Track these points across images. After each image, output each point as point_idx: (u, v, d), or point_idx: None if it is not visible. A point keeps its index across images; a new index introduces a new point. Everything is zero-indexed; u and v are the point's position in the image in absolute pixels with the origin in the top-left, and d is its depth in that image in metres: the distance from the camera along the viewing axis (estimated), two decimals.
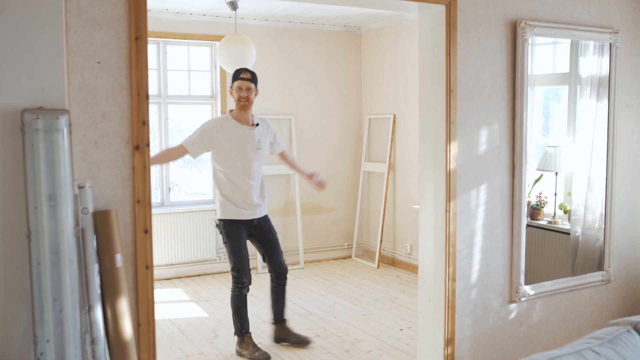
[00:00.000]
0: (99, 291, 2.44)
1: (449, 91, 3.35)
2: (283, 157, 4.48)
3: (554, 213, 4.95)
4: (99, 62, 2.50)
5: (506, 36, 3.54)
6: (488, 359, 3.62)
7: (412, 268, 6.34)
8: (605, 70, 3.98)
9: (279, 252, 4.26)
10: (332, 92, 6.93)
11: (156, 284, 5.87)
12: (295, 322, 4.71)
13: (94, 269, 2.43)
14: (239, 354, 4.20)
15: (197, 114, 6.56)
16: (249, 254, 4.24)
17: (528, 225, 4.61)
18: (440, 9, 3.34)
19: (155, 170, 6.25)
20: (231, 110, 4.19)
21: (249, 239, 4.22)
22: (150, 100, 4.20)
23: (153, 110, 6.20)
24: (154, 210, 5.45)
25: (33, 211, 2.28)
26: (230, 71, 5.54)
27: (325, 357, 4.18)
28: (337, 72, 6.99)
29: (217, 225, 4.19)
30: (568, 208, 4.81)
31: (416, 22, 5.59)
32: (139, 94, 2.57)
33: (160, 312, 5.08)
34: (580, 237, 4.25)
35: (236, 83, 4.11)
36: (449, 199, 3.39)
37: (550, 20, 3.67)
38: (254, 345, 4.18)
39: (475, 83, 3.45)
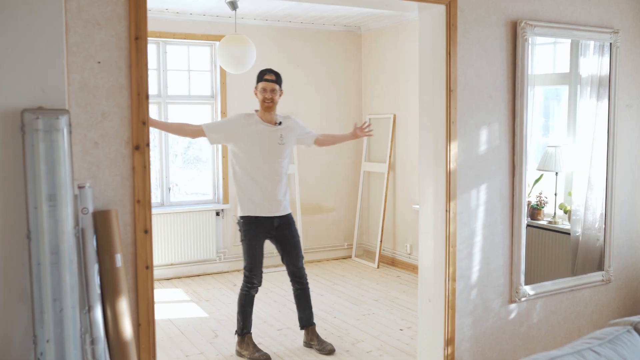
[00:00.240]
0: (98, 291, 2.44)
1: (449, 91, 3.35)
2: (321, 142, 4.36)
3: (554, 213, 4.95)
4: (99, 62, 2.50)
5: (506, 36, 3.54)
6: (488, 359, 3.62)
7: (412, 268, 6.34)
8: (605, 70, 3.97)
9: (297, 257, 4.21)
10: (332, 92, 6.93)
11: (156, 284, 5.87)
12: (295, 321, 4.70)
13: (94, 269, 2.43)
14: (239, 354, 4.20)
15: (197, 114, 6.56)
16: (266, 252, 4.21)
17: (528, 225, 4.61)
18: (440, 8, 3.34)
19: (155, 170, 6.26)
20: (257, 110, 4.17)
21: (269, 239, 4.17)
22: (150, 100, 4.20)
23: (153, 110, 6.19)
24: (154, 210, 5.45)
25: (33, 211, 2.28)
26: (231, 71, 5.55)
27: (325, 357, 4.18)
28: (337, 72, 6.99)
29: (238, 223, 4.19)
30: (568, 208, 4.81)
31: (416, 22, 5.59)
32: (139, 94, 2.57)
33: (160, 312, 5.08)
34: (580, 237, 4.25)
35: (260, 84, 4.09)
36: (449, 199, 3.39)
37: (550, 20, 3.67)
38: (254, 345, 4.18)
39: (476, 83, 3.45)
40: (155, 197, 6.29)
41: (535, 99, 5.06)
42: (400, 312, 5.14)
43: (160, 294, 5.69)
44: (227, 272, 6.51)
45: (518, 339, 3.73)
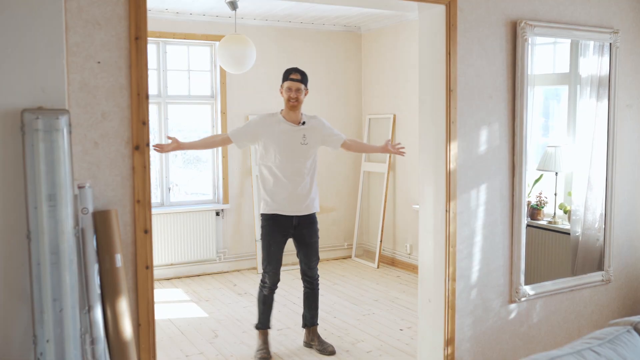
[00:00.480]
0: (98, 291, 2.44)
1: (449, 91, 3.35)
2: (348, 146, 4.31)
3: (554, 213, 4.95)
4: (99, 62, 2.50)
5: (506, 36, 3.54)
6: (488, 359, 3.62)
7: (412, 268, 6.34)
8: (605, 70, 3.97)
9: (312, 257, 4.21)
10: (332, 92, 6.93)
11: (156, 284, 5.87)
12: (295, 321, 4.70)
13: (94, 269, 2.43)
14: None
15: (197, 114, 6.56)
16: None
17: (528, 225, 4.61)
18: (440, 8, 3.34)
19: (155, 170, 6.26)
20: (282, 110, 4.17)
21: (289, 237, 4.17)
22: (150, 100, 4.21)
23: (153, 110, 6.19)
24: (154, 210, 5.44)
25: (33, 211, 2.28)
26: (231, 71, 5.56)
27: (325, 358, 4.18)
28: (337, 72, 6.99)
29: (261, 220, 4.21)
30: (568, 208, 4.81)
31: (416, 22, 5.59)
32: (139, 94, 2.57)
33: (160, 312, 5.08)
34: (580, 237, 4.25)
35: (286, 83, 4.08)
36: (449, 199, 3.39)
37: (550, 20, 3.67)
38: (262, 343, 4.21)
39: (475, 83, 3.45)
40: (155, 197, 6.29)
41: (535, 99, 5.06)
42: (400, 312, 5.14)
43: (160, 294, 5.69)
44: (227, 272, 6.51)
45: (518, 339, 3.73)
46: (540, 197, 5.06)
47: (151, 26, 5.59)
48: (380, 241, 6.72)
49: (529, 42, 3.55)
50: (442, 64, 3.37)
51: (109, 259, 2.46)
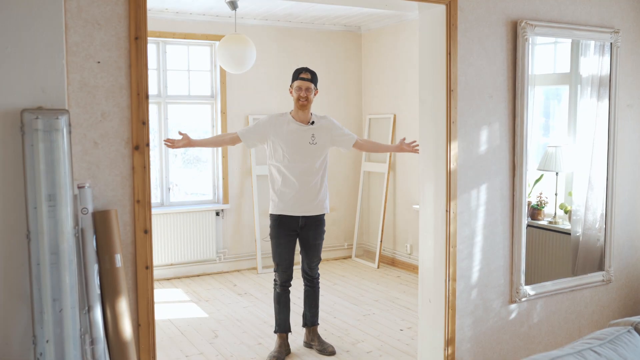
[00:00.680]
0: (98, 291, 2.44)
1: (449, 91, 3.35)
2: (360, 146, 4.30)
3: (555, 213, 4.94)
4: (98, 62, 2.50)
5: (507, 36, 3.53)
6: (488, 359, 3.61)
7: (412, 268, 6.34)
8: (606, 70, 3.97)
9: (314, 258, 4.20)
10: (332, 92, 6.93)
11: (156, 284, 5.87)
12: (295, 321, 4.70)
13: (94, 269, 2.43)
14: None
15: (197, 113, 6.56)
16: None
17: (528, 226, 4.61)
18: (441, 8, 3.33)
19: (155, 170, 6.25)
20: (292, 110, 4.16)
21: (296, 237, 4.17)
22: (150, 100, 4.21)
23: (153, 110, 6.19)
24: (153, 210, 5.45)
25: (33, 211, 2.28)
26: (231, 71, 5.55)
27: (325, 358, 4.18)
28: (337, 72, 6.98)
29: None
30: (569, 208, 4.81)
31: (416, 22, 5.59)
32: (139, 94, 2.57)
33: (160, 313, 5.08)
34: (580, 237, 4.24)
35: (296, 83, 4.09)
36: (449, 199, 3.39)
37: (550, 19, 3.67)
38: (279, 345, 4.20)
39: (476, 83, 3.45)
40: (155, 197, 6.29)
41: (536, 99, 5.06)
42: (400, 312, 5.14)
43: (160, 294, 5.69)
44: (227, 272, 6.51)
45: (518, 339, 3.72)
46: (540, 197, 5.06)
47: (151, 26, 5.59)
48: (381, 241, 6.71)
49: (530, 41, 3.55)
50: (443, 63, 3.36)
51: (109, 259, 2.46)
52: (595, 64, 4.00)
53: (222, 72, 6.36)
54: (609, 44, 3.93)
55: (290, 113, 4.12)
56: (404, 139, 4.19)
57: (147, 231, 2.62)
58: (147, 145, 2.61)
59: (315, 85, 4.11)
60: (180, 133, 4.02)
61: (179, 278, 6.29)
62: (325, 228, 4.25)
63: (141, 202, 2.60)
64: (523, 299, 3.68)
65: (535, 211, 5.01)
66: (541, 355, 1.93)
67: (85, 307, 2.41)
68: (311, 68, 4.03)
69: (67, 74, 2.43)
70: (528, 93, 3.58)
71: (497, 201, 3.58)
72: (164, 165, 6.32)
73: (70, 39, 2.44)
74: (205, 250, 6.39)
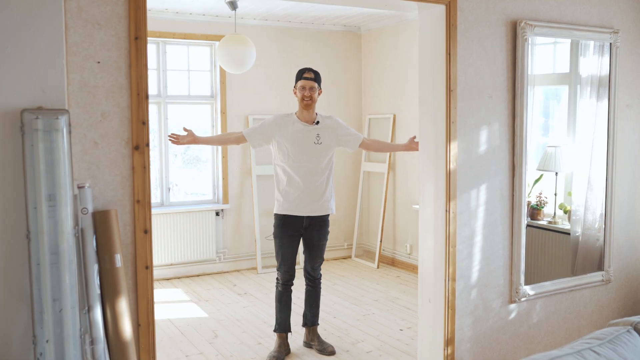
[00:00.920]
0: (98, 291, 2.44)
1: (449, 91, 3.35)
2: (367, 146, 4.31)
3: (554, 213, 4.95)
4: (98, 62, 2.50)
5: (506, 36, 3.54)
6: (488, 359, 3.62)
7: (412, 268, 6.34)
8: (605, 70, 3.97)
9: (317, 258, 4.20)
10: (332, 92, 6.93)
11: (156, 284, 5.87)
12: (295, 321, 4.70)
13: (94, 269, 2.43)
14: None
15: (197, 114, 6.56)
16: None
17: (528, 226, 4.61)
18: (440, 8, 3.34)
19: (155, 170, 6.25)
20: (297, 111, 4.15)
21: (301, 237, 4.17)
22: (150, 100, 4.22)
23: (153, 110, 6.19)
24: (153, 210, 5.45)
25: (33, 211, 2.28)
26: (230, 71, 5.55)
27: (325, 358, 4.18)
28: (337, 72, 6.99)
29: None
30: (568, 208, 4.81)
31: (416, 22, 5.59)
32: (139, 94, 2.57)
33: (160, 312, 5.08)
34: (580, 237, 4.25)
35: (300, 82, 4.09)
36: (449, 199, 3.39)
37: (550, 20, 3.67)
38: (276, 346, 4.21)
39: (475, 83, 3.45)
40: (155, 197, 6.29)
41: (535, 99, 5.06)
42: (400, 312, 5.14)
43: (160, 294, 5.69)
44: (227, 272, 6.51)
45: (518, 339, 3.73)
46: (540, 197, 5.06)
47: (151, 26, 5.59)
48: (380, 241, 6.72)
49: (529, 42, 3.55)
50: (442, 63, 3.37)
51: (109, 259, 2.46)
52: (594, 64, 4.00)
53: (222, 72, 6.36)
54: (609, 44, 3.93)
55: (296, 114, 4.12)
56: (414, 137, 4.11)
57: (147, 231, 2.63)
58: (147, 145, 2.61)
59: (319, 84, 4.11)
60: (185, 129, 4.01)
61: (179, 278, 6.29)
62: (329, 229, 4.25)
63: (141, 202, 2.60)
64: (523, 299, 3.68)
65: (534, 211, 5.02)
66: (541, 355, 1.93)
67: (85, 307, 2.41)
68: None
69: (67, 74, 2.43)
70: (528, 93, 3.58)
71: (497, 201, 3.58)
72: (164, 165, 6.33)
73: (70, 39, 2.44)
74: (205, 250, 6.39)
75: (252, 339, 4.53)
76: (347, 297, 5.59)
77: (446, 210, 3.40)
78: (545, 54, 5.22)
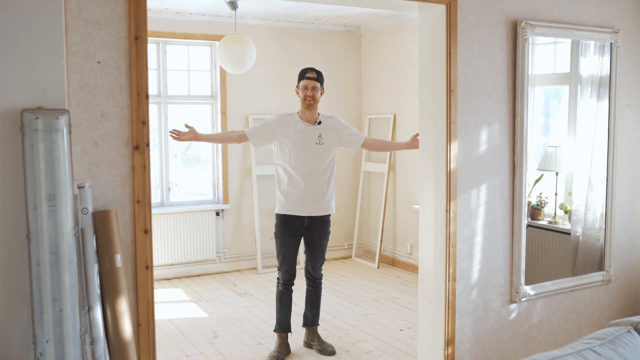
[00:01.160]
0: (98, 291, 2.44)
1: (449, 91, 3.35)
2: (369, 145, 4.30)
3: (555, 213, 4.94)
4: (98, 62, 2.50)
5: (507, 36, 3.53)
6: (488, 359, 3.61)
7: (412, 268, 6.34)
8: (605, 70, 3.97)
9: (318, 258, 4.20)
10: (332, 92, 6.93)
11: (156, 284, 5.87)
12: (295, 321, 4.70)
13: (94, 269, 2.43)
14: None
15: (197, 113, 6.56)
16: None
17: (528, 225, 4.61)
18: (441, 8, 3.34)
19: (155, 170, 6.25)
20: (299, 111, 4.15)
21: (302, 237, 4.17)
22: (150, 100, 4.21)
23: (153, 110, 6.19)
24: (154, 210, 5.44)
25: (33, 211, 2.28)
26: (231, 71, 5.55)
27: (325, 358, 4.18)
28: (337, 72, 6.98)
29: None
30: (568, 208, 4.81)
31: (416, 22, 5.59)
32: (139, 94, 2.57)
33: (160, 312, 5.08)
34: (580, 237, 4.24)
35: (302, 82, 4.08)
36: (449, 199, 3.39)
37: (550, 19, 3.67)
38: (277, 346, 4.20)
39: (476, 83, 3.45)
40: (155, 197, 6.29)
41: (536, 99, 5.06)
42: (400, 312, 5.14)
43: (160, 294, 5.69)
44: (227, 272, 6.51)
45: (518, 339, 3.73)
46: (540, 197, 5.06)
47: (151, 26, 5.59)
48: (381, 241, 6.71)
49: (530, 41, 3.55)
50: (442, 63, 3.36)
51: (109, 259, 2.46)
52: (595, 64, 4.00)
53: (222, 72, 6.36)
54: (609, 44, 3.93)
55: (298, 113, 4.12)
56: (417, 134, 4.04)
57: (147, 231, 2.63)
58: (147, 145, 2.61)
59: (322, 84, 4.11)
60: (186, 126, 4.00)
61: (179, 278, 6.29)
62: (330, 229, 4.25)
63: (141, 202, 2.60)
64: (523, 299, 3.68)
65: (535, 211, 5.01)
66: (541, 355, 1.93)
67: (85, 307, 2.41)
68: None
69: (67, 74, 2.43)
70: (528, 93, 3.58)
71: (497, 201, 3.58)
72: (164, 165, 6.32)
73: (70, 39, 2.44)
74: (205, 250, 6.39)
75: (252, 339, 4.53)
76: (347, 297, 5.58)
77: (446, 210, 3.40)
78: (545, 54, 5.22)
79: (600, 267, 4.14)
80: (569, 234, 4.45)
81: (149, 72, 2.66)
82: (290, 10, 6.04)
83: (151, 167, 3.34)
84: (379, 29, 6.82)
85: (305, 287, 4.34)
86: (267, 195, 6.43)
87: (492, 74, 3.50)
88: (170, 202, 6.38)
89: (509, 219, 3.62)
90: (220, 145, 6.44)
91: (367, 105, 7.09)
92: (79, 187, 2.43)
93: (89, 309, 2.41)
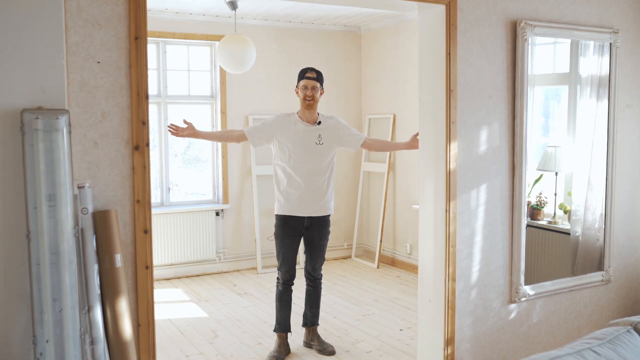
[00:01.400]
0: (98, 291, 2.44)
1: (449, 91, 3.35)
2: (369, 146, 4.29)
3: (554, 213, 4.95)
4: (98, 62, 2.50)
5: (506, 36, 3.54)
6: (488, 359, 3.62)
7: (412, 268, 6.34)
8: (605, 70, 3.97)
9: (317, 258, 4.20)
10: (332, 92, 6.93)
11: (156, 284, 5.87)
12: (295, 321, 4.70)
13: (94, 269, 2.43)
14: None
15: (197, 114, 6.56)
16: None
17: (528, 225, 4.61)
18: (441, 8, 3.34)
19: (155, 170, 6.25)
20: (298, 111, 4.15)
21: (302, 237, 4.17)
22: (150, 100, 4.21)
23: (153, 110, 6.19)
24: (153, 210, 5.45)
25: (33, 211, 2.28)
26: (230, 71, 5.55)
27: (325, 358, 4.18)
28: (337, 72, 6.99)
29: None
30: (568, 208, 4.81)
31: (416, 22, 5.58)
32: (139, 94, 2.57)
33: (160, 312, 5.08)
34: (580, 237, 4.25)
35: (302, 82, 4.08)
36: (449, 199, 3.39)
37: (550, 20, 3.67)
38: (276, 346, 4.21)
39: (476, 83, 3.45)
40: (155, 197, 6.29)
41: (535, 99, 5.06)
42: (400, 312, 5.14)
43: (160, 294, 5.69)
44: (227, 272, 6.51)
45: (518, 339, 3.73)
46: (540, 197, 5.06)
47: (151, 26, 5.59)
48: (380, 241, 6.72)
49: (529, 42, 3.55)
50: (442, 63, 3.36)
51: (109, 259, 2.46)
52: (594, 64, 4.00)
53: (222, 72, 6.36)
54: (609, 44, 3.93)
55: (297, 113, 4.11)
56: (417, 134, 4.01)
57: (147, 231, 2.63)
58: (147, 145, 2.61)
59: (321, 84, 4.11)
60: (185, 122, 3.98)
61: (179, 278, 6.29)
62: (330, 229, 4.25)
63: (141, 202, 2.60)
64: (522, 299, 3.68)
65: (534, 211, 5.02)
66: (541, 355, 1.93)
67: (85, 307, 2.41)
68: None
69: (67, 74, 2.43)
70: (528, 93, 3.58)
71: (497, 201, 3.58)
72: (164, 165, 6.33)
73: (70, 39, 2.44)
74: (205, 250, 6.39)
75: (252, 339, 4.53)
76: (347, 297, 5.59)
77: (446, 210, 3.40)
78: (545, 54, 5.22)
79: (599, 267, 4.14)
80: (569, 234, 4.45)
81: (149, 72, 2.66)
82: (290, 10, 6.04)
83: (151, 167, 3.34)
84: (379, 29, 6.83)
85: (305, 287, 4.34)
86: (267, 195, 6.43)
87: (491, 74, 3.50)
88: (170, 202, 6.38)
89: (508, 219, 3.63)
90: (220, 146, 6.44)
91: (367, 105, 7.09)
92: (79, 187, 2.43)
93: (89, 309, 2.41)
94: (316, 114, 4.10)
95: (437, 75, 3.41)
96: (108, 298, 2.45)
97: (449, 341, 3.45)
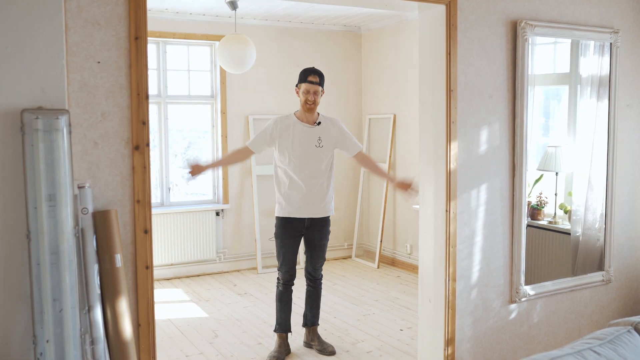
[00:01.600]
0: (98, 291, 2.44)
1: (449, 91, 3.35)
2: (360, 159, 4.27)
3: (555, 213, 4.94)
4: (98, 62, 2.50)
5: (506, 36, 3.53)
6: (488, 359, 3.61)
7: (412, 268, 6.34)
8: (605, 70, 3.97)
9: (318, 259, 4.20)
10: (332, 92, 6.92)
11: (156, 284, 5.87)
12: (295, 321, 4.70)
13: (94, 269, 2.43)
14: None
15: (197, 113, 6.56)
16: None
17: (528, 225, 4.61)
18: (441, 8, 3.34)
19: (155, 170, 6.25)
20: (296, 111, 4.13)
21: (301, 237, 4.17)
22: (150, 100, 4.20)
23: (153, 110, 6.19)
24: (154, 210, 5.44)
25: (33, 211, 2.28)
26: (231, 71, 5.55)
27: (325, 358, 4.18)
28: (337, 72, 6.98)
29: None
30: (568, 208, 4.81)
31: (416, 22, 5.59)
32: (139, 94, 2.57)
33: (160, 312, 5.08)
34: (580, 237, 4.24)
35: (304, 86, 4.03)
36: (449, 199, 3.39)
37: (550, 20, 3.67)
38: (277, 346, 4.20)
39: (476, 83, 3.45)
40: (155, 197, 6.29)
41: (536, 99, 5.06)
42: (400, 312, 5.14)
43: (160, 294, 5.69)
44: (227, 272, 6.51)
45: (518, 339, 3.73)
46: (540, 197, 5.06)
47: (151, 26, 5.59)
48: (381, 241, 6.71)
49: (529, 41, 3.55)
50: (442, 63, 3.36)
51: (109, 259, 2.46)
52: (595, 64, 4.00)
53: (222, 72, 6.36)
54: (609, 44, 3.93)
55: (295, 114, 4.10)
56: (412, 182, 3.86)
57: (147, 231, 2.63)
58: (147, 145, 2.61)
59: (323, 86, 4.10)
60: (189, 165, 3.87)
61: (179, 278, 6.29)
62: (330, 229, 4.25)
63: (141, 202, 2.60)
64: (523, 299, 3.68)
65: (535, 211, 5.01)
66: (541, 355, 1.93)
67: (85, 307, 2.41)
68: None
69: (67, 74, 2.43)
70: (528, 93, 3.58)
71: (497, 201, 3.58)
72: (164, 165, 6.32)
73: (70, 39, 2.44)
74: (205, 250, 6.39)
75: (252, 339, 4.53)
76: (347, 297, 5.59)
77: (446, 210, 3.40)
78: (545, 54, 5.22)
79: (600, 267, 4.14)
80: (569, 234, 4.45)
81: (149, 72, 2.66)
82: (290, 10, 6.04)
83: (151, 167, 3.34)
84: (379, 29, 6.82)
85: (305, 287, 4.34)
86: (267, 195, 6.42)
87: (492, 74, 3.50)
88: (170, 202, 6.38)
89: (508, 219, 3.62)
90: (220, 146, 6.44)
91: (367, 105, 7.09)
92: (79, 187, 2.43)
93: (89, 309, 2.41)
94: (316, 114, 4.10)
95: (437, 75, 3.40)
96: (108, 298, 2.45)
97: (449, 341, 3.45)
